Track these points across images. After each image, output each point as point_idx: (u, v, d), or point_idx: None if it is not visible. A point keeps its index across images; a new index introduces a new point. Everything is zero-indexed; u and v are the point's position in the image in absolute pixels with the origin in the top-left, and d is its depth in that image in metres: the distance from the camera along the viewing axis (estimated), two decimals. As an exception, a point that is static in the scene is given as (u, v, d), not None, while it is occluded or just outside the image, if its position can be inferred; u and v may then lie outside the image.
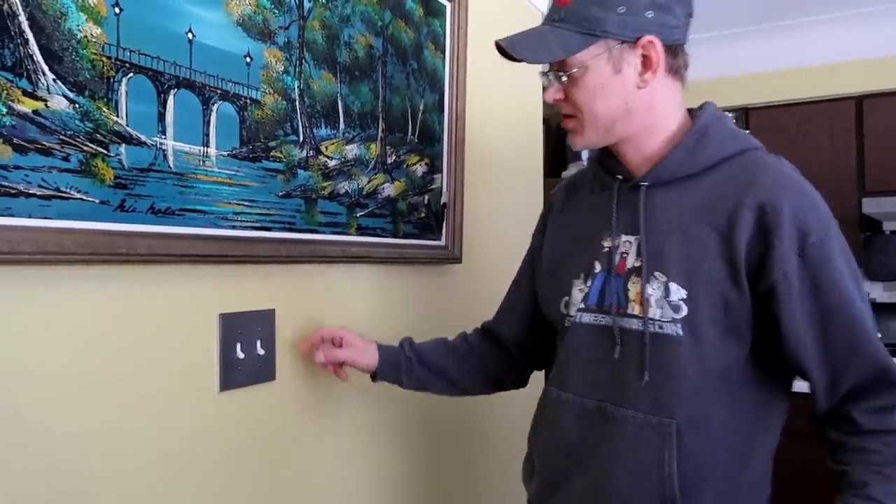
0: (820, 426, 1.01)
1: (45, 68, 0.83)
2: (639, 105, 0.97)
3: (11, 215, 0.80)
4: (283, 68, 1.18)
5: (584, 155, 3.31)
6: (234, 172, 1.09)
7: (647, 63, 0.95)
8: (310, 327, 1.28)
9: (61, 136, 0.85)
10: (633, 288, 0.97)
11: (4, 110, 0.79)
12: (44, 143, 0.83)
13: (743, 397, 0.96)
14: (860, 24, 3.16)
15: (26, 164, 0.81)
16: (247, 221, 1.11)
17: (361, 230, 1.38)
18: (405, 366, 1.26)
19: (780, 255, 0.89)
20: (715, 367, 0.93)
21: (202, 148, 1.04)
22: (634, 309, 0.96)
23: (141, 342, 0.98)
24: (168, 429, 1.02)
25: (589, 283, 1.02)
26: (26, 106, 0.81)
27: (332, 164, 1.30)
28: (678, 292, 0.93)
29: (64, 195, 0.85)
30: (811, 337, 0.92)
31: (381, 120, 1.43)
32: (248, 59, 1.11)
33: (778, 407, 1.02)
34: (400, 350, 1.28)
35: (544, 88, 1.03)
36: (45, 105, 0.83)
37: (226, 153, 1.08)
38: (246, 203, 1.11)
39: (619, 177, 1.04)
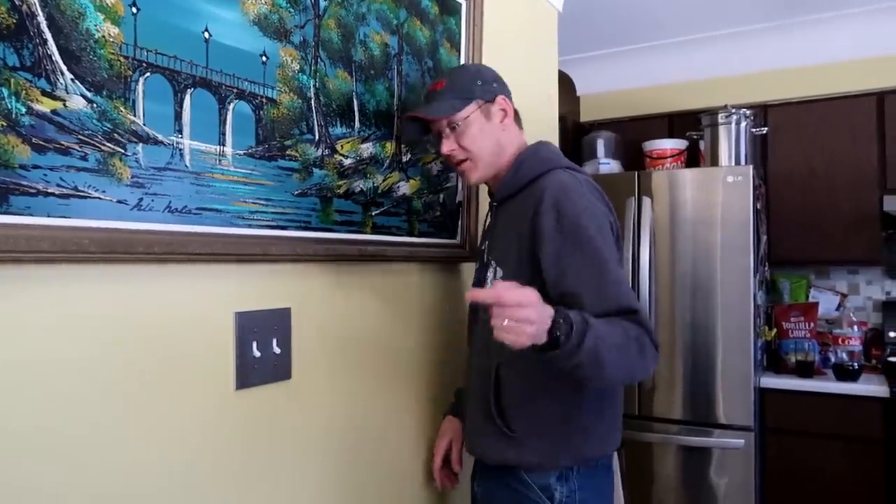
0: None
1: (64, 68, 0.84)
2: (504, 143, 1.37)
3: (31, 214, 0.80)
4: (298, 67, 1.18)
5: (601, 153, 3.30)
6: (250, 171, 1.09)
7: (503, 114, 1.37)
8: (326, 326, 1.28)
9: (79, 136, 0.85)
10: (487, 274, 1.37)
11: (24, 110, 0.80)
12: (62, 142, 0.84)
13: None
14: (881, 20, 3.11)
15: (45, 164, 0.82)
16: (263, 220, 1.12)
17: (377, 229, 1.38)
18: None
19: (541, 229, 1.23)
20: None
21: (218, 147, 1.04)
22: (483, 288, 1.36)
23: (157, 340, 0.98)
24: (185, 426, 1.02)
25: (475, 275, 1.46)
26: (45, 106, 0.82)
27: (347, 162, 1.30)
28: (499, 272, 1.33)
29: (82, 194, 0.86)
30: (570, 273, 1.20)
31: (396, 118, 1.43)
32: (263, 59, 1.11)
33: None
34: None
35: (431, 151, 1.52)
36: (64, 105, 0.84)
37: (242, 152, 1.08)
38: (262, 202, 1.12)
39: (493, 202, 1.45)
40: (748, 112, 3.01)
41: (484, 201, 1.72)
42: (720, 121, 3.01)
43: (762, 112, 3.22)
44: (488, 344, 1.28)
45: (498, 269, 1.33)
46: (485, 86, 1.35)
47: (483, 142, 1.34)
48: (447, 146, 1.35)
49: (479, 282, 1.40)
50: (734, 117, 2.99)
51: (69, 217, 0.84)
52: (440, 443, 1.54)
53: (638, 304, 1.19)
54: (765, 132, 3.15)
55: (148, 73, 0.94)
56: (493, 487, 1.35)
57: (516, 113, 1.41)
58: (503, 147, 1.37)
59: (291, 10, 1.16)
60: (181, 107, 0.98)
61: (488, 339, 1.25)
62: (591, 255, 1.20)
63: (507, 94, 1.40)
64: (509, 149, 1.37)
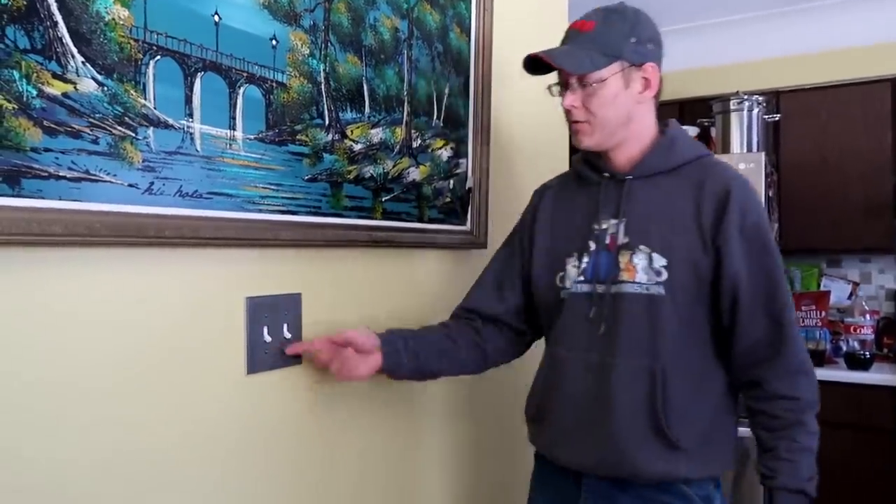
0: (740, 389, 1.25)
1: (74, 51, 0.83)
2: (635, 116, 1.23)
3: (42, 197, 0.80)
4: (308, 51, 1.17)
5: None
6: (260, 156, 1.09)
7: (645, 84, 1.21)
8: (336, 312, 1.28)
9: (90, 119, 0.85)
10: (623, 259, 1.20)
11: (35, 93, 0.79)
12: (73, 125, 0.83)
13: (707, 350, 1.21)
14: (894, 5, 3.07)
15: (56, 147, 0.82)
16: (273, 205, 1.11)
17: (386, 214, 1.38)
18: (401, 343, 1.25)
19: (727, 226, 1.16)
20: (687, 322, 1.18)
21: (229, 131, 1.04)
22: (624, 276, 1.19)
23: (168, 324, 0.98)
24: (195, 410, 1.03)
25: (586, 260, 1.24)
26: (56, 89, 0.82)
27: (357, 147, 1.29)
28: (659, 261, 1.17)
29: (93, 178, 0.86)
30: (744, 276, 1.16)
31: (406, 104, 1.42)
32: (273, 42, 1.11)
33: (727, 370, 1.24)
34: (389, 333, 1.27)
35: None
36: (75, 88, 0.83)
37: (252, 136, 1.08)
38: (272, 187, 1.11)
39: (606, 174, 1.27)
40: (760, 99, 2.99)
41: (498, 185, 1.71)
42: (732, 107, 2.98)
43: (774, 98, 3.19)
44: (636, 343, 1.18)
45: (655, 255, 1.17)
46: (638, 45, 1.18)
47: (612, 110, 1.19)
48: (570, 101, 1.20)
49: (608, 266, 1.21)
50: (746, 104, 2.96)
51: (81, 200, 0.84)
52: (355, 334, 1.20)
53: (791, 317, 1.18)
54: (777, 119, 3.12)
55: (158, 57, 0.93)
56: None
57: (659, 85, 1.25)
58: (631, 120, 1.22)
59: (301, -6, 1.15)
60: (191, 91, 0.98)
61: (635, 336, 1.18)
62: (766, 264, 1.17)
63: (659, 59, 1.23)
64: (637, 124, 1.23)
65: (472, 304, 1.39)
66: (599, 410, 1.19)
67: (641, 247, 1.19)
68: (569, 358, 1.25)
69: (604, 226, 1.23)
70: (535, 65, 1.21)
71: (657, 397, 1.15)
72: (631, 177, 1.23)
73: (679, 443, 1.15)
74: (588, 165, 1.32)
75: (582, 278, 1.24)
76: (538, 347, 1.42)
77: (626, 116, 1.21)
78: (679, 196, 1.20)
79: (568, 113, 1.22)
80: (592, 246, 1.24)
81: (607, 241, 1.22)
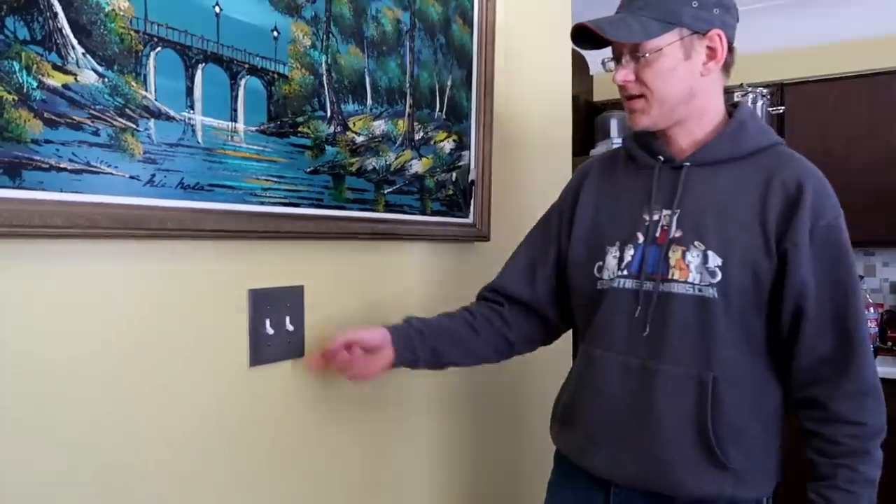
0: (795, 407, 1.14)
1: (75, 42, 0.83)
2: (699, 91, 1.11)
3: (43, 189, 0.80)
4: (310, 43, 1.17)
5: (614, 132, 3.27)
6: (262, 148, 1.08)
7: (711, 54, 1.09)
8: (338, 304, 1.28)
9: (91, 111, 0.85)
10: (674, 256, 1.09)
11: (35, 84, 0.79)
12: (74, 117, 0.83)
13: (762, 362, 1.11)
14: (901, -4, 3.06)
15: (57, 139, 0.81)
16: (275, 197, 1.11)
17: (389, 207, 1.37)
18: (417, 338, 1.20)
19: (797, 229, 1.04)
20: (740, 329, 1.08)
21: (230, 123, 1.03)
22: (675, 275, 1.09)
23: (171, 317, 0.98)
24: (198, 403, 1.03)
25: (631, 252, 1.14)
26: (56, 80, 0.81)
27: (359, 140, 1.29)
28: (715, 260, 1.06)
29: (94, 170, 0.85)
30: (812, 287, 1.04)
31: (408, 96, 1.41)
32: (275, 34, 1.10)
33: (781, 383, 1.14)
34: (406, 324, 1.23)
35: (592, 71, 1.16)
36: (75, 79, 0.83)
37: (254, 128, 1.07)
38: (274, 179, 1.11)
39: (661, 158, 1.15)
40: (765, 91, 2.97)
41: (501, 178, 1.70)
42: (736, 100, 2.97)
43: (779, 91, 3.17)
44: (685, 349, 1.08)
45: (710, 253, 1.07)
46: (701, 10, 1.06)
47: (670, 84, 1.08)
48: (622, 75, 1.09)
49: (655, 261, 1.10)
50: (750, 96, 2.94)
51: (82, 192, 0.84)
52: (364, 333, 1.16)
53: (863, 333, 1.05)
54: (781, 111, 3.10)
55: (159, 48, 0.93)
56: None
57: (729, 56, 1.12)
58: (693, 96, 1.10)
59: (303, -15, 1.15)
60: (192, 82, 0.98)
61: (684, 341, 1.08)
62: (839, 273, 1.05)
63: (729, 26, 1.11)
64: (700, 100, 1.11)
65: (501, 287, 1.31)
66: (638, 419, 1.10)
67: (696, 243, 1.08)
68: (605, 358, 1.15)
69: (655, 216, 1.12)
70: (586, 37, 1.10)
71: (706, 410, 1.06)
72: (689, 163, 1.12)
73: (728, 462, 1.07)
74: (641, 146, 1.20)
75: (625, 272, 1.14)
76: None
77: (687, 91, 1.09)
78: (743, 188, 1.08)
79: (621, 89, 1.12)
80: (640, 238, 1.13)
81: (657, 233, 1.11)
